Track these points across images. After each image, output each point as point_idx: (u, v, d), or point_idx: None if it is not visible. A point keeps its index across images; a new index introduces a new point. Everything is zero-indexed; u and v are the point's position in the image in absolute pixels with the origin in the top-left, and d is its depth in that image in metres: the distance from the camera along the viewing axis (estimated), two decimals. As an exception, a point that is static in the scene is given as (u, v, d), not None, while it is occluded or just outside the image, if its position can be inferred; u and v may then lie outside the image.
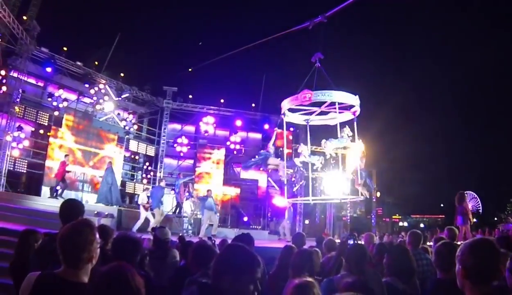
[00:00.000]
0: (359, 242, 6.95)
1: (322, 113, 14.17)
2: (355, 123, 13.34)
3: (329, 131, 14.39)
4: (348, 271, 4.67)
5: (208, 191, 18.46)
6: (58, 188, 18.30)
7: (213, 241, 10.75)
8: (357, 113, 13.17)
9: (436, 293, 3.61)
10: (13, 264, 4.68)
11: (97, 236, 2.95)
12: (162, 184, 17.68)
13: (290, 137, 26.20)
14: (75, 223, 2.98)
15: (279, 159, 15.27)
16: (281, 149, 27.35)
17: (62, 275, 2.78)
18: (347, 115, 13.49)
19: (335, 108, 13.05)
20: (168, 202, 22.23)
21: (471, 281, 2.59)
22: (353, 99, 12.66)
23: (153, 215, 16.98)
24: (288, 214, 19.66)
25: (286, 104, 13.01)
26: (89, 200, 19.35)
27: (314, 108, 13.75)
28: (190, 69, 22.31)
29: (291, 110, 13.78)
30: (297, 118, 14.54)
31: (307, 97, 12.11)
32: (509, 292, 2.59)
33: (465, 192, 13.37)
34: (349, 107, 13.28)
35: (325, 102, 12.91)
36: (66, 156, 18.80)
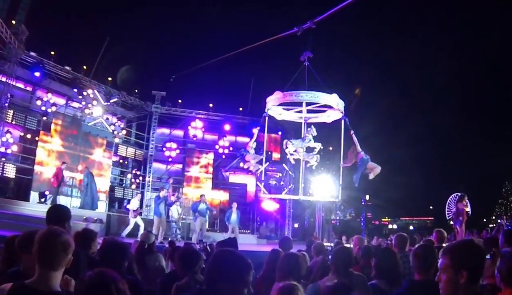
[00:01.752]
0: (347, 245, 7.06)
1: (318, 111, 14.32)
2: (342, 122, 13.46)
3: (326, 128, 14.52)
4: (334, 274, 4.74)
5: (201, 196, 18.52)
6: (46, 193, 18.29)
7: (205, 243, 10.82)
8: (340, 112, 13.31)
9: (410, 293, 3.68)
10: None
11: (73, 245, 3.00)
12: (161, 193, 17.56)
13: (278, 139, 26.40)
14: (54, 227, 3.06)
15: (256, 154, 15.16)
16: (269, 152, 27.51)
17: (34, 285, 2.77)
18: (338, 114, 13.61)
19: (324, 107, 13.40)
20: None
21: (470, 282, 2.63)
22: (333, 99, 12.83)
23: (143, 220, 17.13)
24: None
25: (270, 102, 13.34)
26: (78, 205, 19.32)
27: (299, 108, 13.99)
28: (172, 78, 22.34)
29: (285, 109, 14.01)
30: (292, 116, 14.66)
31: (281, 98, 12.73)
32: (498, 291, 2.69)
33: (456, 194, 13.50)
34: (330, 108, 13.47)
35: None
36: (63, 163, 18.79)
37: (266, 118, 14.19)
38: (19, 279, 3.05)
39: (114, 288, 2.38)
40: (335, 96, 12.74)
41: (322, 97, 12.73)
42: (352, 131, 13.13)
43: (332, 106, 13.03)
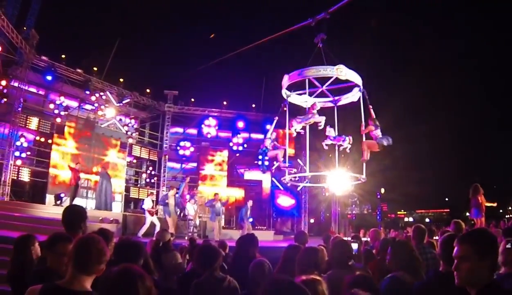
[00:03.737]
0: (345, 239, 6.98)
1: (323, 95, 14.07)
2: (362, 102, 12.99)
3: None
4: (335, 268, 4.68)
5: (215, 194, 18.58)
6: (62, 195, 18.40)
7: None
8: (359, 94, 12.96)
9: (434, 284, 3.59)
10: (10, 272, 4.65)
11: (108, 255, 3.03)
12: (170, 192, 17.76)
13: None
14: (93, 235, 3.14)
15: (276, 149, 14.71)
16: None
17: (66, 285, 2.79)
18: (356, 95, 13.25)
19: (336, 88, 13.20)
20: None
21: (493, 269, 2.68)
22: (357, 78, 12.52)
23: (160, 219, 17.19)
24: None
25: (283, 88, 13.04)
26: (94, 207, 19.41)
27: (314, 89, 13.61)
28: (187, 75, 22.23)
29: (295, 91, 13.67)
30: (319, 103, 14.02)
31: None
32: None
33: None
34: (352, 88, 13.23)
35: (327, 81, 12.91)
36: (77, 163, 18.90)
37: (285, 107, 13.76)
38: (49, 275, 3.21)
39: (140, 284, 2.37)
40: (340, 67, 12.14)
41: (324, 70, 12.31)
42: (370, 106, 12.79)
43: (340, 78, 12.57)
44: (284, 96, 13.52)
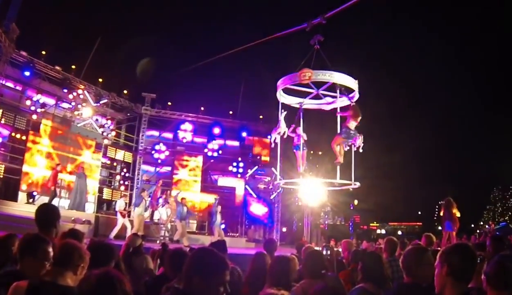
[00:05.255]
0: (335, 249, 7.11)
1: (317, 97, 13.77)
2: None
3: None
4: (308, 278, 4.79)
5: (182, 199, 18.63)
6: (35, 193, 18.31)
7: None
8: (355, 98, 12.61)
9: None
10: None
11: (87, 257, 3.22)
12: (143, 194, 17.80)
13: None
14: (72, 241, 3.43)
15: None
16: (258, 156, 27.60)
17: (52, 280, 2.94)
18: (344, 101, 12.89)
19: (330, 93, 12.99)
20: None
21: (454, 278, 2.93)
22: (353, 83, 12.21)
23: (131, 222, 17.14)
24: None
25: (281, 83, 12.62)
26: (66, 206, 19.29)
27: (310, 91, 13.34)
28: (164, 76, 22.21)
29: (285, 92, 13.39)
30: (292, 100, 13.85)
31: (306, 76, 11.65)
32: (484, 294, 2.79)
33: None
34: (346, 92, 12.80)
35: (322, 85, 12.77)
36: (57, 165, 18.87)
37: (301, 113, 13.46)
38: (20, 278, 3.19)
39: (119, 287, 2.44)
40: (335, 74, 11.92)
41: (349, 81, 12.07)
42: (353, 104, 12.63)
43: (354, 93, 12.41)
44: (278, 97, 13.24)
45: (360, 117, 12.18)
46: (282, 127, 13.30)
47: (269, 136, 12.99)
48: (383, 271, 4.67)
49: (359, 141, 12.65)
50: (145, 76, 25.08)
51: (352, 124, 12.08)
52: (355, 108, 12.25)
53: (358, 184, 12.67)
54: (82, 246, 3.11)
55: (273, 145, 14.30)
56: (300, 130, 13.26)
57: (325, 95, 13.57)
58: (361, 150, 12.77)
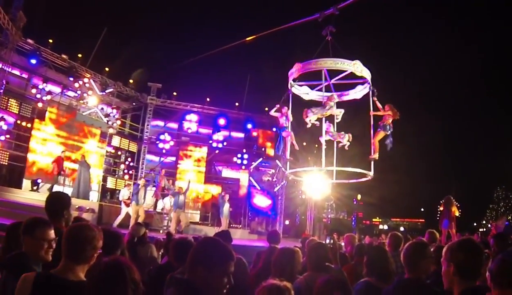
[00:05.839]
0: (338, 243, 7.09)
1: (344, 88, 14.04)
2: (370, 95, 13.01)
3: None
4: (312, 270, 4.76)
5: (179, 188, 18.56)
6: (39, 180, 18.33)
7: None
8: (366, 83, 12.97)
9: (398, 291, 3.75)
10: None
11: (101, 242, 3.13)
12: (140, 182, 17.69)
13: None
14: (85, 223, 3.29)
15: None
16: (262, 148, 27.56)
17: (61, 274, 2.88)
18: (363, 91, 13.38)
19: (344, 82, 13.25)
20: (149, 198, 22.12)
21: (461, 275, 2.91)
22: (368, 75, 12.57)
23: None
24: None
25: (291, 75, 12.82)
26: (70, 195, 19.27)
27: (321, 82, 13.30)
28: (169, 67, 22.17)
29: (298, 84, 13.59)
30: (318, 96, 13.99)
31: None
32: (489, 291, 2.78)
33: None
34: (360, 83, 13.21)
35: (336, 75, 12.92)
36: (63, 151, 18.94)
37: (290, 95, 13.44)
38: (25, 259, 3.22)
39: (128, 276, 2.43)
40: (357, 63, 12.20)
41: (342, 64, 12.17)
42: (375, 98, 12.84)
43: (356, 73, 12.44)
44: (290, 86, 13.35)
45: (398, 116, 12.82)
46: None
47: (274, 129, 12.89)
48: (389, 265, 4.65)
49: (346, 139, 13.04)
50: (140, 80, 25.01)
51: (389, 120, 12.72)
52: (392, 108, 12.77)
53: (371, 173, 13.11)
54: (95, 234, 3.05)
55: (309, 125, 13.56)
56: (287, 110, 13.23)
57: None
58: (346, 148, 13.15)
